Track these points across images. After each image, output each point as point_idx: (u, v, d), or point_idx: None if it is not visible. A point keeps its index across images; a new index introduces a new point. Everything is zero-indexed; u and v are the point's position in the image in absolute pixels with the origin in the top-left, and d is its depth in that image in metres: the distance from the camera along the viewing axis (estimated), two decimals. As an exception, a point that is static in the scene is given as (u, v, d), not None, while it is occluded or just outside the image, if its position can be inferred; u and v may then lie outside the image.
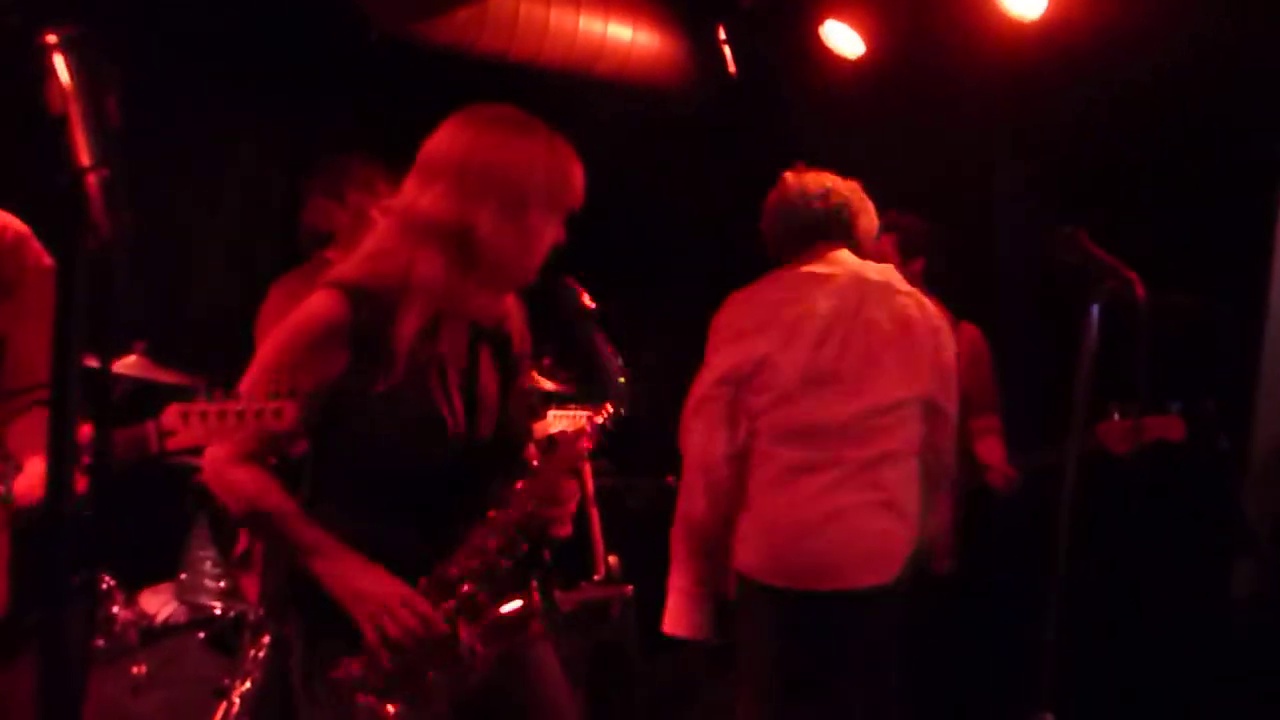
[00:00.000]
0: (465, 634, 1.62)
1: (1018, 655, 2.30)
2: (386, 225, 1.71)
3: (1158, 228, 3.04)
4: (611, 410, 1.78)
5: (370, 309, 1.63)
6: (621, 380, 1.77)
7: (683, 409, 2.52)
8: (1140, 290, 1.90)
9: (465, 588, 1.65)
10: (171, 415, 1.72)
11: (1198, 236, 3.07)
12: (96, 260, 0.78)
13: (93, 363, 0.91)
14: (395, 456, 1.66)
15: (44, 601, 0.91)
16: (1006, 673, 3.11)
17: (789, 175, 2.65)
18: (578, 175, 1.73)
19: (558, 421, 3.12)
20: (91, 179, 0.82)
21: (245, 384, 1.66)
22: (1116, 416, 2.65)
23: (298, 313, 1.68)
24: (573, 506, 1.72)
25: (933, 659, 3.22)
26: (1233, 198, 3.12)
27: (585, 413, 3.14)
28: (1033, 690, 2.00)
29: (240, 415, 1.66)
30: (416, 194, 1.66)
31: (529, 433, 1.89)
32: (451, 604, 1.64)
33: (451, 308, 1.69)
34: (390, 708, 1.59)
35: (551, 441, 1.83)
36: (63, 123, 0.83)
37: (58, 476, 0.80)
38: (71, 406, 0.80)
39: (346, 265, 1.71)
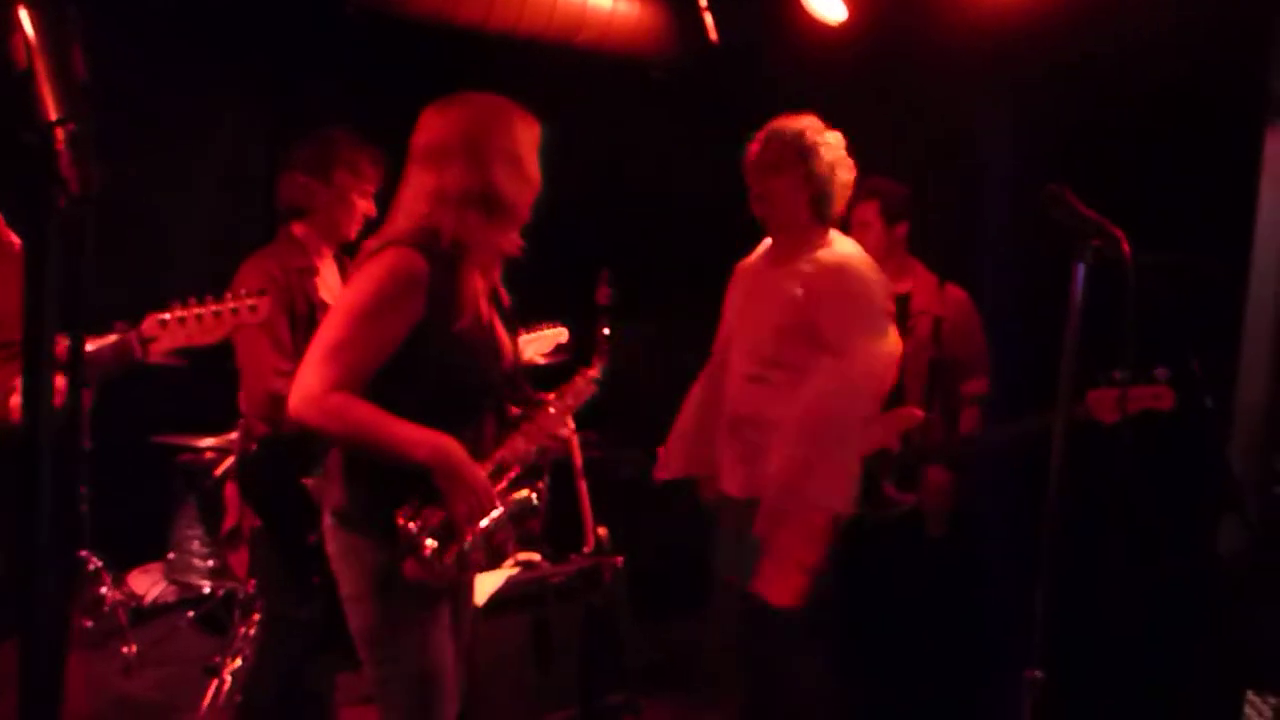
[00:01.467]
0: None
1: (1008, 616, 2.32)
2: (420, 204, 2.04)
3: (1142, 186, 3.04)
4: (598, 371, 2.34)
5: (440, 263, 1.99)
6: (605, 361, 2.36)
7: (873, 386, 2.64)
8: (1126, 248, 1.89)
9: (512, 474, 2.10)
10: (150, 323, 1.85)
11: (1182, 193, 3.07)
12: (67, 221, 0.76)
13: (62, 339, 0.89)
14: (472, 378, 2.06)
15: (23, 578, 0.89)
16: (998, 633, 3.15)
17: (839, 140, 2.70)
18: (536, 123, 2.15)
19: (529, 345, 3.19)
20: (59, 133, 0.80)
21: (331, 331, 1.96)
22: (1105, 386, 2.64)
23: (381, 266, 1.97)
24: (570, 436, 2.33)
25: (927, 620, 3.25)
26: (1217, 155, 3.11)
27: (550, 331, 3.28)
28: (1024, 649, 2.02)
29: (217, 315, 1.89)
30: (438, 176, 2.03)
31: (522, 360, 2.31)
32: (499, 487, 2.07)
33: (490, 253, 2.08)
34: (430, 541, 1.97)
35: (561, 389, 2.30)
36: (29, 77, 0.81)
37: (34, 440, 0.79)
38: (47, 369, 0.78)
39: (402, 231, 2.03)
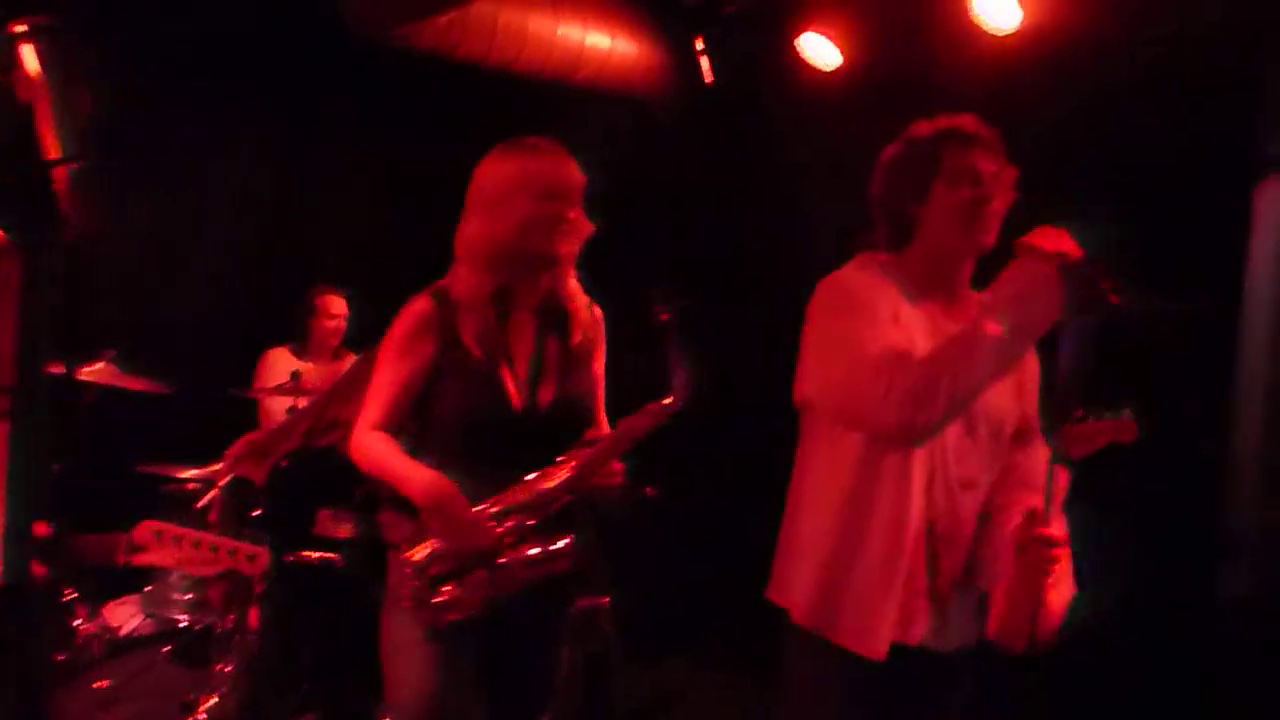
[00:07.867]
0: (509, 554, 2.05)
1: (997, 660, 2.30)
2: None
3: (1134, 233, 3.05)
4: (672, 402, 2.09)
5: (448, 305, 2.12)
6: (685, 383, 2.10)
7: None
8: (1117, 297, 1.89)
9: (512, 519, 2.05)
10: (144, 532, 1.85)
11: (1174, 240, 3.09)
12: (66, 257, 0.75)
13: (58, 368, 0.88)
14: (473, 415, 2.10)
15: (10, 614, 0.86)
16: (993, 682, 3.11)
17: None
18: (563, 166, 2.13)
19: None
20: (60, 172, 0.78)
21: (372, 377, 2.12)
22: (1075, 421, 2.63)
23: (399, 315, 2.14)
24: (618, 479, 2.14)
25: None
26: (1208, 201, 3.14)
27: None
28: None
29: (214, 550, 1.87)
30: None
31: (590, 405, 2.22)
32: (505, 527, 2.05)
33: (500, 298, 2.12)
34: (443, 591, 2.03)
35: (617, 425, 2.16)
36: (29, 114, 0.79)
37: (22, 487, 0.77)
38: (40, 408, 0.76)
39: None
